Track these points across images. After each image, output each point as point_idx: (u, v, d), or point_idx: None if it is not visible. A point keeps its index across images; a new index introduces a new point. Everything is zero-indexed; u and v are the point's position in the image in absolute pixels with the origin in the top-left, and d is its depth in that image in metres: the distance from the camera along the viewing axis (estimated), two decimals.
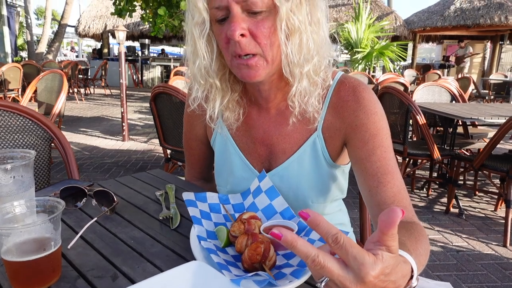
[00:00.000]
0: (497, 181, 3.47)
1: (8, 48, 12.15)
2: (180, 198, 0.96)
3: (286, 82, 0.80)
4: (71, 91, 9.27)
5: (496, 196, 3.20)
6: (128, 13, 5.06)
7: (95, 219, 0.79)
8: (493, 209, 3.09)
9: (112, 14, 5.14)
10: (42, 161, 1.41)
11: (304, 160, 0.87)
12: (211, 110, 0.86)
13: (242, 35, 0.70)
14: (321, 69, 0.79)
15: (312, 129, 0.85)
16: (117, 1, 4.92)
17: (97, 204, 0.87)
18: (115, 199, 0.85)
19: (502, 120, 2.55)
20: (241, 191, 0.91)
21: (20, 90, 6.64)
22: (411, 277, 0.50)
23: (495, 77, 9.02)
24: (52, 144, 1.41)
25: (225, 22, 0.71)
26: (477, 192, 3.43)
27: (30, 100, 3.61)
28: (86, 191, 0.89)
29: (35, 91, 3.75)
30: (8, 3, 12.45)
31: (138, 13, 5.43)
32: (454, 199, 3.00)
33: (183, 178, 1.18)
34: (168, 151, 2.71)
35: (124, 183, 1.08)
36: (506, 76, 8.75)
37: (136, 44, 15.83)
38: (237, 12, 0.69)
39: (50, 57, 13.36)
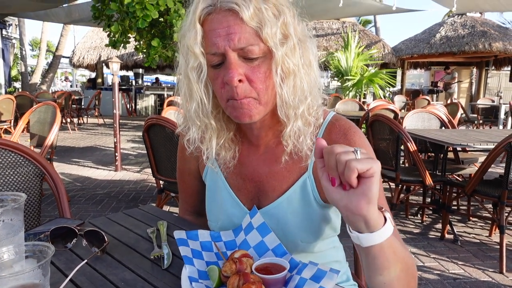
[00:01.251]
0: (489, 205, 3.49)
1: (1, 79, 12.22)
2: (172, 235, 0.95)
3: (277, 120, 0.82)
4: (64, 121, 9.26)
5: (490, 221, 3.21)
6: (122, 44, 5.16)
7: (85, 261, 0.78)
8: (487, 235, 3.09)
9: (106, 45, 5.23)
10: (33, 198, 1.40)
11: (293, 200, 0.86)
12: (207, 151, 0.86)
13: (240, 80, 0.72)
14: (314, 109, 0.81)
15: (303, 168, 0.85)
16: (112, 33, 5.02)
17: (87, 245, 0.86)
18: (106, 239, 0.84)
19: (490, 146, 2.59)
20: (232, 227, 0.90)
21: (12, 121, 6.63)
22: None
23: (482, 102, 9.23)
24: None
25: (220, 67, 0.73)
26: (471, 218, 3.43)
27: (22, 131, 3.60)
28: (77, 231, 0.88)
29: (28, 122, 3.75)
30: (4, 35, 12.62)
31: (132, 44, 5.53)
32: (448, 225, 2.99)
33: (176, 210, 1.17)
34: (161, 182, 2.70)
35: (115, 220, 1.07)
36: (493, 101, 8.96)
37: (130, 74, 16.03)
38: (234, 58, 0.71)
39: (44, 87, 13.44)
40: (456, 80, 12.21)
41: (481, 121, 8.50)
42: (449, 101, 10.00)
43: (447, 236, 3.00)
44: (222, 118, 0.84)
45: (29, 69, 16.05)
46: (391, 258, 0.62)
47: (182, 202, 1.14)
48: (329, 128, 0.85)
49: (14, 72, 17.69)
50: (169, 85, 17.10)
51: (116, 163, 5.11)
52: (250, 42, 0.70)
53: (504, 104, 7.65)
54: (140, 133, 8.25)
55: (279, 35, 0.72)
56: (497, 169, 5.07)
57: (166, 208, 3.56)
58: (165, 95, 13.28)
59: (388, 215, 0.61)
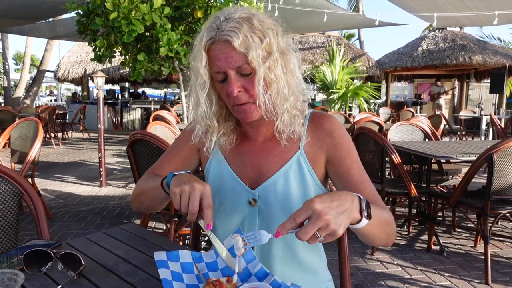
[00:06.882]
0: (474, 216, 3.53)
1: None
2: (151, 256, 0.93)
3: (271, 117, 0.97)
4: (48, 136, 9.10)
5: (474, 232, 3.24)
6: (107, 59, 5.12)
7: (60, 286, 0.75)
8: (473, 245, 3.11)
9: (92, 59, 5.19)
10: (10, 218, 1.35)
11: (290, 176, 0.99)
12: (208, 143, 1.03)
13: (239, 91, 0.89)
14: (298, 104, 0.97)
15: (296, 148, 1.00)
16: (97, 48, 4.98)
17: (63, 268, 0.83)
18: (82, 262, 0.81)
19: (473, 158, 2.63)
20: (233, 208, 1.00)
21: None
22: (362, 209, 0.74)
23: (465, 113, 9.45)
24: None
25: (225, 82, 0.91)
26: (456, 228, 3.46)
27: (3, 147, 3.52)
28: (52, 254, 0.85)
29: (9, 138, 3.66)
30: None
31: (118, 58, 5.49)
32: (434, 236, 3.01)
33: (162, 226, 1.15)
34: None
35: (94, 241, 1.04)
36: (474, 112, 9.18)
37: (116, 87, 15.91)
38: (233, 76, 0.89)
39: (28, 102, 13.22)
40: (444, 90, 12.52)
41: (463, 132, 8.68)
42: (438, 112, 10.21)
43: (433, 247, 3.01)
44: (223, 115, 1.01)
45: (12, 83, 15.76)
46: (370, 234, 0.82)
47: (155, 169, 1.13)
48: (311, 116, 1.04)
49: None
50: (155, 98, 17.02)
51: (101, 179, 5.02)
52: (242, 62, 0.87)
53: (485, 115, 7.83)
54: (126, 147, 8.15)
55: (264, 53, 0.88)
56: (480, 179, 5.16)
57: (151, 224, 3.50)
58: (152, 109, 13.19)
59: (366, 213, 0.75)
